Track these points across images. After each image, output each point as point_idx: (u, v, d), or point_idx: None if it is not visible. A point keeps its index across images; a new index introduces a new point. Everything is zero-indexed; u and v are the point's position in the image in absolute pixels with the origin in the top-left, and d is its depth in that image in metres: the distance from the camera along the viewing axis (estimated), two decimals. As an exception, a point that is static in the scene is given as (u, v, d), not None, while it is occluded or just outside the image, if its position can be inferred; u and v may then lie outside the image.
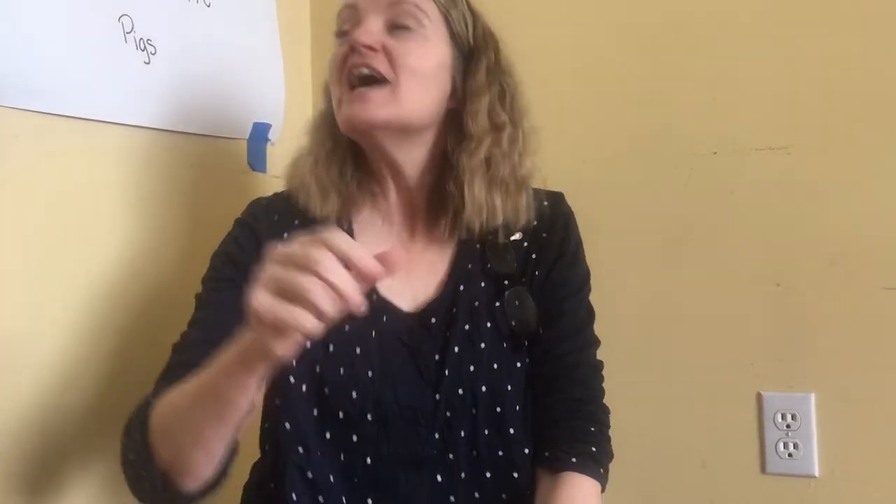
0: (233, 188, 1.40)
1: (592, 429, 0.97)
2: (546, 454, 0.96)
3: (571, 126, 1.35)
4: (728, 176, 1.28)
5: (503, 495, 0.98)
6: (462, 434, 0.96)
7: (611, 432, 1.01)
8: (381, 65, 0.94)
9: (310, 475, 0.95)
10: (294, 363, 0.93)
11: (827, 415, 1.21)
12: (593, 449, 0.95)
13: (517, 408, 0.99)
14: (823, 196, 1.22)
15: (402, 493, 0.95)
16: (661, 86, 1.33)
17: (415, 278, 1.01)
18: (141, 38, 1.22)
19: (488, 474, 0.98)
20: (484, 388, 0.96)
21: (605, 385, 1.05)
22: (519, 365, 0.99)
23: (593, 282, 1.10)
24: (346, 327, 0.93)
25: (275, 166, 1.49)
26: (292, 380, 0.96)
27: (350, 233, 1.02)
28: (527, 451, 0.99)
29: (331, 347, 0.95)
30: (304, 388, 0.96)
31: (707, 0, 1.30)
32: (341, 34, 1.00)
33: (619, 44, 1.35)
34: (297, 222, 1.02)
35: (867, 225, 1.20)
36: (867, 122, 1.21)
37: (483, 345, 0.97)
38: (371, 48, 0.94)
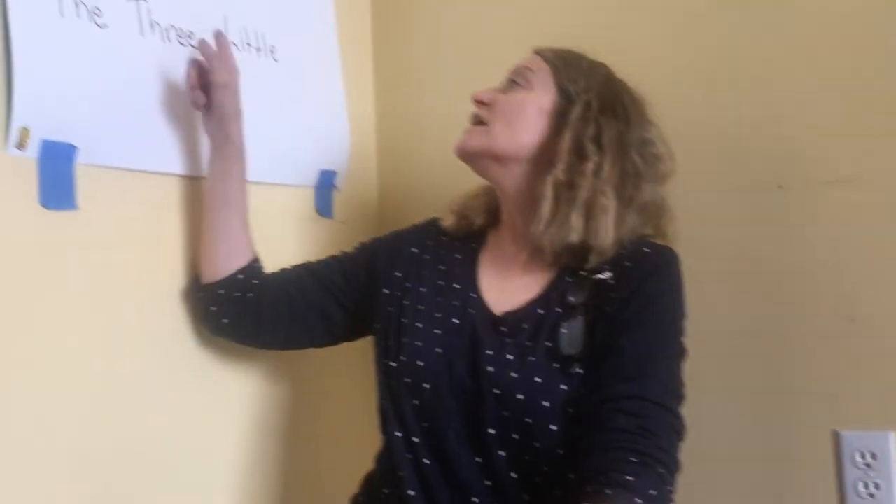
0: (302, 233, 1.45)
1: (633, 459, 0.94)
2: (587, 488, 0.94)
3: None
4: (795, 209, 1.26)
5: (524, 496, 1.06)
6: (491, 431, 1.05)
7: (673, 466, 0.98)
8: (484, 112, 1.17)
9: (388, 434, 1.13)
10: (398, 338, 1.15)
11: (909, 453, 1.18)
12: (629, 478, 0.92)
13: (551, 426, 1.03)
14: (894, 227, 1.20)
15: (451, 462, 1.08)
16: (725, 120, 1.32)
17: (508, 291, 1.15)
18: (213, 94, 1.28)
19: (513, 475, 1.05)
20: (520, 396, 1.04)
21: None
22: (564, 387, 1.04)
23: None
24: (439, 314, 1.14)
25: (341, 211, 1.54)
26: (389, 350, 1.15)
27: (478, 249, 1.22)
28: (546, 468, 1.04)
29: (419, 325, 1.14)
30: (389, 354, 1.15)
31: (771, 32, 1.29)
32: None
33: (682, 80, 1.35)
34: (444, 238, 1.25)
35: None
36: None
37: (533, 359, 1.06)
38: (483, 102, 1.17)
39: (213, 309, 1.22)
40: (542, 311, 1.10)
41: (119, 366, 1.13)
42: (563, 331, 1.06)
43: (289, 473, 1.40)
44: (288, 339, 1.27)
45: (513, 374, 1.05)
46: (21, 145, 1.01)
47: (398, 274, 1.21)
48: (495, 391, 1.05)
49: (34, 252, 1.04)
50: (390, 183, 1.66)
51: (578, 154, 1.10)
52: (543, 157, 1.13)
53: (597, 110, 1.12)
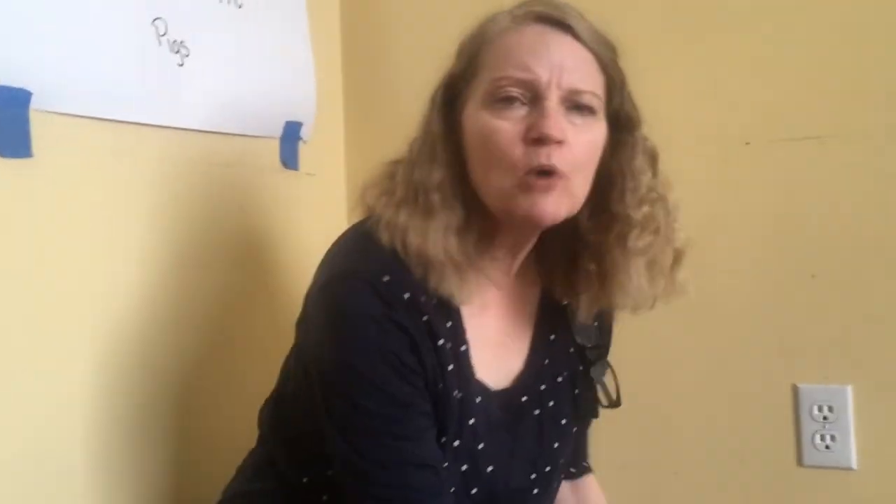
0: (267, 186, 1.42)
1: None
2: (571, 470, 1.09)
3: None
4: (761, 166, 1.27)
5: None
6: (547, 468, 1.00)
7: None
8: (564, 162, 0.84)
9: None
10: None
11: (864, 407, 1.21)
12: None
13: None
14: (858, 186, 1.21)
15: None
16: (692, 78, 1.32)
17: (505, 351, 0.98)
18: (174, 41, 1.24)
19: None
20: (562, 461, 1.03)
21: (642, 378, 1.16)
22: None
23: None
24: (472, 421, 0.91)
25: (306, 163, 1.51)
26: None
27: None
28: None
29: (456, 443, 0.92)
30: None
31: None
32: (506, 100, 0.85)
33: (657, 32, 1.32)
34: (423, 299, 0.88)
35: (904, 214, 1.19)
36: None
37: (564, 421, 1.01)
38: (560, 142, 0.84)
39: None
40: (548, 362, 0.99)
41: (76, 316, 1.12)
42: (581, 378, 1.02)
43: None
44: None
45: (555, 445, 0.99)
46: (-28, 90, 0.97)
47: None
48: (547, 469, 0.99)
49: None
50: (357, 135, 1.64)
51: (649, 204, 0.92)
52: (594, 195, 0.91)
53: (645, 140, 0.94)
